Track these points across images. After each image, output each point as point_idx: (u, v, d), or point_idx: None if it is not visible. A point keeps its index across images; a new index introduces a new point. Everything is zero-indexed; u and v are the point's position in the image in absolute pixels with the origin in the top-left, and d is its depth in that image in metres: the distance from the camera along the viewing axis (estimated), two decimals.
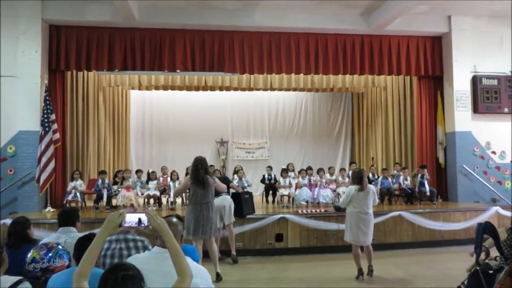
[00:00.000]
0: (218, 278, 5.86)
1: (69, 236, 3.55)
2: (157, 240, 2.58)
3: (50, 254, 2.89)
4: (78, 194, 8.85)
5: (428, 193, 9.58)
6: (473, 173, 9.93)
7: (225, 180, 7.53)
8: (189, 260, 2.52)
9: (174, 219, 2.67)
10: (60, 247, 3.01)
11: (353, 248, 6.11)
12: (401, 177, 9.89)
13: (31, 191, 8.70)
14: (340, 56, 10.07)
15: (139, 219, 2.18)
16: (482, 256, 4.23)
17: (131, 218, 2.18)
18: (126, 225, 2.20)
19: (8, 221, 6.67)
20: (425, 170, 9.88)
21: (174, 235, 2.54)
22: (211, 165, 11.23)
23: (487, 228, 4.08)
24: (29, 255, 2.91)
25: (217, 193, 6.76)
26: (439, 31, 10.28)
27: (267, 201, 10.66)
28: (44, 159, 8.52)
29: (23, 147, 8.77)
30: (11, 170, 8.72)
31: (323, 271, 6.62)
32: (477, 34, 10.22)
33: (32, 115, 8.84)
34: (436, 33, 10.35)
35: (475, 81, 10.16)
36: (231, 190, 7.56)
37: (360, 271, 6.07)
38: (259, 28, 9.71)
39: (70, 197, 8.76)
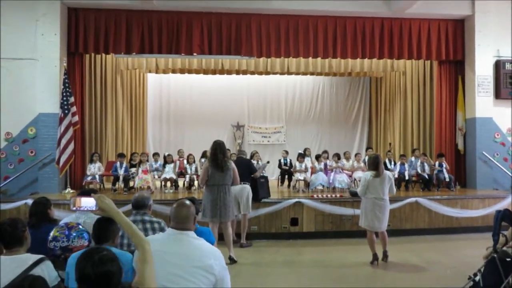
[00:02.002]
0: (231, 261, 5.92)
1: (88, 217, 3.63)
2: (171, 222, 2.62)
3: (71, 234, 2.96)
4: (96, 176, 9.03)
5: (446, 180, 9.45)
6: (493, 160, 9.75)
7: (249, 166, 7.29)
8: (203, 241, 2.55)
9: (187, 202, 2.70)
10: (81, 227, 3.08)
11: (367, 234, 6.10)
12: (419, 163, 9.77)
13: (51, 172, 8.90)
14: (359, 40, 9.91)
15: (94, 203, 2.22)
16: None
17: (86, 202, 2.23)
18: (81, 209, 2.24)
19: (30, 201, 6.86)
20: (443, 158, 9.75)
21: (187, 217, 2.58)
22: (228, 149, 11.29)
23: (506, 216, 4.01)
24: (51, 233, 2.98)
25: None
26: (462, 14, 10.00)
27: (282, 185, 10.67)
28: (63, 141, 8.68)
29: (44, 129, 8.94)
30: (32, 152, 8.92)
31: (338, 256, 6.64)
32: (502, 17, 9.91)
33: (52, 97, 8.98)
34: (459, 16, 10.08)
35: (498, 66, 9.91)
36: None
37: (375, 257, 6.07)
38: (277, 11, 9.60)
39: (89, 179, 8.96)
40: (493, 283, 3.75)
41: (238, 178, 6.13)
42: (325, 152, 10.51)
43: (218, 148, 5.93)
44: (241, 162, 7.31)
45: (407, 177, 9.57)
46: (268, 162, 9.75)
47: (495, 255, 3.83)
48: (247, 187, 6.98)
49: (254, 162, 9.69)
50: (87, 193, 3.47)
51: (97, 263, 1.82)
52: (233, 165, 6.06)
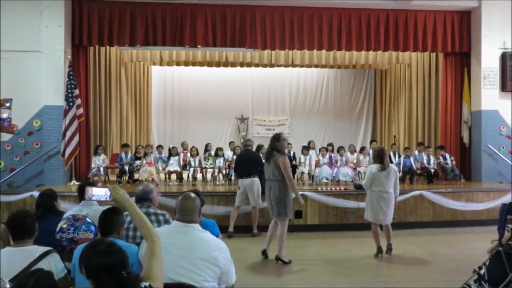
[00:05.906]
0: (279, 261, 5.82)
1: (91, 209, 3.66)
2: (176, 215, 2.63)
3: (77, 226, 2.98)
4: (101, 168, 9.05)
5: (451, 173, 9.42)
6: (498, 153, 9.70)
7: (256, 161, 7.30)
8: (208, 234, 2.57)
9: (192, 194, 2.71)
10: (88, 219, 3.09)
11: (372, 227, 6.10)
12: (424, 157, 9.73)
13: (56, 164, 8.94)
14: (364, 32, 9.85)
15: (106, 194, 2.22)
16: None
17: (98, 192, 2.23)
18: (93, 198, 2.25)
19: (35, 193, 6.90)
20: (443, 150, 9.70)
21: (192, 209, 2.60)
22: (231, 142, 11.26)
23: (511, 209, 4.00)
24: (59, 224, 3.01)
25: (249, 173, 7.08)
26: (468, 5, 9.91)
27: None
28: (68, 134, 8.71)
29: (49, 122, 8.97)
30: (37, 144, 8.95)
31: (342, 248, 6.65)
32: (508, 9, 9.78)
33: (56, 90, 8.99)
34: (465, 7, 9.99)
35: (504, 58, 9.81)
36: None
37: (379, 249, 6.08)
38: (281, 3, 9.55)
39: (94, 171, 8.98)
40: (498, 276, 3.75)
41: (288, 174, 5.60)
42: (330, 144, 10.48)
43: (271, 139, 5.83)
44: (248, 155, 7.46)
45: (414, 169, 9.55)
46: None
47: (501, 249, 3.83)
48: (257, 180, 7.15)
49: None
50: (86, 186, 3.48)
51: (104, 252, 1.82)
52: (281, 159, 5.58)
